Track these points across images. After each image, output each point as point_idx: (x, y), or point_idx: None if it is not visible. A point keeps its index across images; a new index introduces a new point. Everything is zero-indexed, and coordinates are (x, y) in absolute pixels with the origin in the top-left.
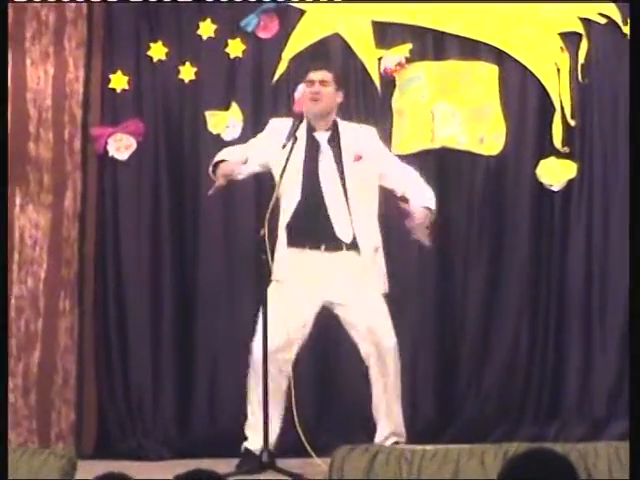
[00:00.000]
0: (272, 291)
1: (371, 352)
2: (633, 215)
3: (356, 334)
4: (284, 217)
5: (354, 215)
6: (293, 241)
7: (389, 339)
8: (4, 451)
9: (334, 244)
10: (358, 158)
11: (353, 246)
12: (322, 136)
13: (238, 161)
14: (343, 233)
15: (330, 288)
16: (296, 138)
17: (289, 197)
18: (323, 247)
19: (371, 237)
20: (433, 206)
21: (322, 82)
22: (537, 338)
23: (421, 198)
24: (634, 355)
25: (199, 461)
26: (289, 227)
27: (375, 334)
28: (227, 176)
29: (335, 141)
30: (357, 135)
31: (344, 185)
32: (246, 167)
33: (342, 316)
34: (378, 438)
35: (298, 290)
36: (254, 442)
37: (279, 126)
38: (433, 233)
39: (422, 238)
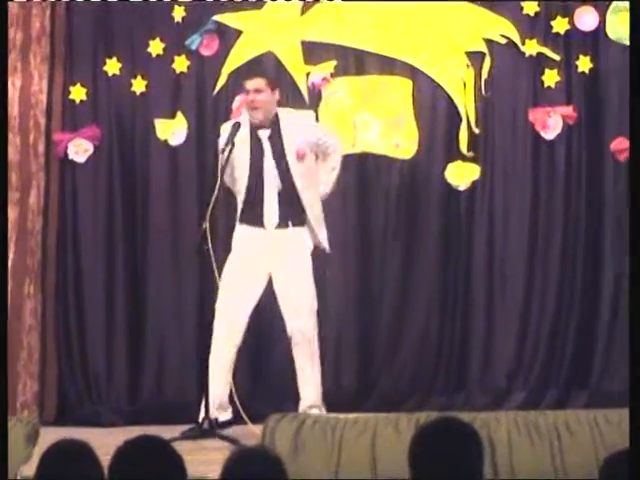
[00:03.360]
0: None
1: (294, 329)
2: (633, 216)
3: (284, 309)
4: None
5: (297, 201)
6: (243, 220)
7: (310, 318)
8: (4, 451)
9: (277, 222)
10: (302, 156)
11: (287, 225)
12: (264, 134)
13: None
14: (271, 216)
15: (270, 263)
16: (234, 144)
17: (239, 190)
18: (268, 226)
19: (315, 219)
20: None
21: (257, 90)
22: (445, 319)
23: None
24: (634, 355)
25: (147, 428)
26: (241, 210)
27: (299, 312)
28: None
29: (276, 136)
30: (298, 129)
31: (285, 176)
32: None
33: (277, 291)
34: (301, 409)
35: (250, 265)
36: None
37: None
38: None
39: None
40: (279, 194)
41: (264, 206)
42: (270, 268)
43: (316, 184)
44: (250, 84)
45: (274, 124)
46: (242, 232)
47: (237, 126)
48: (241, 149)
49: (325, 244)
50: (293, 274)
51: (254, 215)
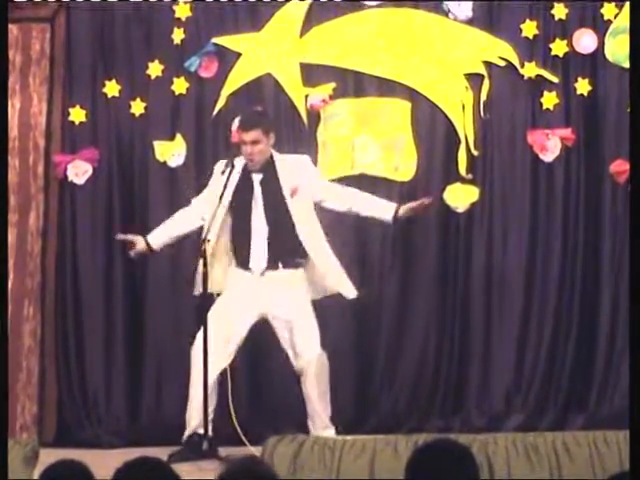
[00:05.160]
0: (216, 305)
1: (298, 361)
2: (633, 217)
3: (284, 343)
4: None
5: (289, 244)
6: (235, 261)
7: (312, 350)
8: (4, 451)
9: (265, 266)
10: (294, 192)
11: (277, 267)
12: (257, 177)
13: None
14: (259, 259)
15: (262, 304)
16: (228, 181)
17: (226, 228)
18: (255, 268)
19: (318, 255)
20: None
21: (254, 142)
22: (443, 342)
23: (385, 207)
24: (634, 355)
25: (146, 449)
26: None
27: (300, 346)
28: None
29: (270, 179)
30: (292, 169)
31: (275, 218)
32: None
33: (275, 327)
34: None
35: (238, 304)
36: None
37: (220, 170)
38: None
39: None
40: (268, 238)
41: (251, 250)
42: (262, 309)
43: (314, 222)
44: (247, 137)
45: (268, 167)
46: (233, 273)
47: (231, 167)
48: (220, 182)
49: (346, 289)
50: (291, 316)
51: (242, 258)
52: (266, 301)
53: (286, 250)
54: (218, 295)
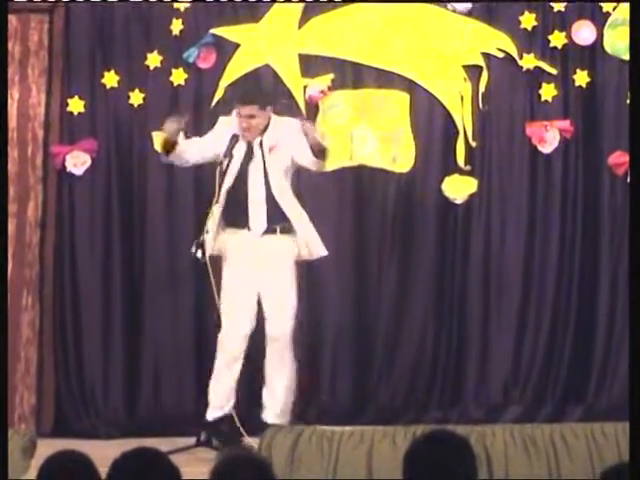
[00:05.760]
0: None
1: (270, 335)
2: (633, 216)
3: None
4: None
5: (273, 203)
6: (228, 224)
7: (284, 326)
8: (4, 450)
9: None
10: (271, 149)
11: (271, 231)
12: (256, 141)
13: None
14: (258, 222)
15: (259, 271)
16: (232, 155)
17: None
18: (255, 229)
19: (292, 221)
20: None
21: (250, 116)
22: (441, 333)
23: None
24: (634, 355)
25: (144, 440)
26: (224, 214)
27: (275, 320)
28: (172, 135)
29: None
30: (276, 128)
31: (266, 178)
32: (193, 154)
33: (261, 296)
34: (264, 418)
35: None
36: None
37: (226, 125)
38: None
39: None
40: (266, 200)
41: (249, 211)
42: (259, 277)
43: (286, 181)
44: (243, 110)
45: (265, 130)
46: (230, 238)
47: (236, 138)
48: (236, 159)
49: (318, 250)
50: (277, 281)
51: (239, 218)
52: (262, 267)
53: (283, 214)
54: (218, 257)
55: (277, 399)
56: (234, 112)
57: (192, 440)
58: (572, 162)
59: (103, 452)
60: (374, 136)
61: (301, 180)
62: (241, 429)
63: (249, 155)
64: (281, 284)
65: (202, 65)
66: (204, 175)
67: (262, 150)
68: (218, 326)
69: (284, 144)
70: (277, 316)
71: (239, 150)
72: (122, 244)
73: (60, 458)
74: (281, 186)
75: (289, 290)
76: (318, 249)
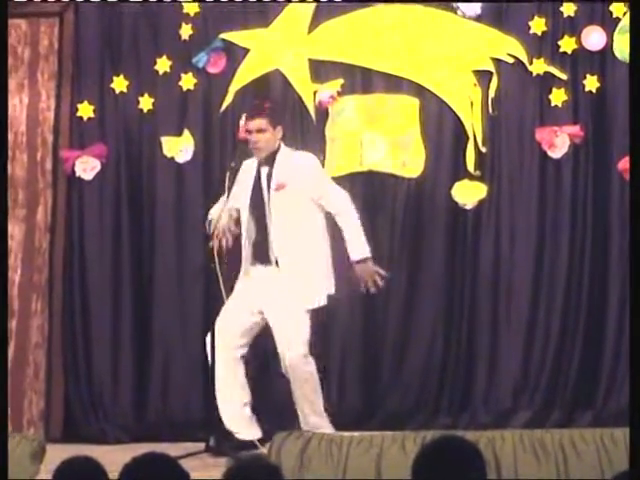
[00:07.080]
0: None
1: (285, 359)
2: (633, 216)
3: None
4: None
5: (276, 237)
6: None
7: (296, 349)
8: (4, 450)
9: (265, 263)
10: (280, 187)
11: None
12: (264, 170)
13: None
14: (263, 255)
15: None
16: (239, 162)
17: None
18: (257, 265)
19: (296, 257)
20: (367, 254)
21: (259, 130)
22: (451, 339)
23: (354, 248)
24: (634, 355)
25: (153, 445)
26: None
27: (287, 344)
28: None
29: (270, 173)
30: (288, 164)
31: (265, 212)
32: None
33: (270, 324)
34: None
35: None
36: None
37: (246, 168)
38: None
39: (370, 285)
40: (255, 241)
41: (268, 244)
42: (262, 304)
43: (297, 221)
44: (252, 125)
45: (273, 160)
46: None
47: (236, 168)
48: (245, 178)
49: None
50: (284, 309)
51: (260, 253)
52: (264, 298)
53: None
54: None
55: (305, 416)
56: (242, 119)
57: (201, 445)
58: (582, 167)
59: (112, 457)
60: (384, 141)
61: None
62: (250, 436)
63: (258, 183)
64: (290, 311)
65: (212, 70)
66: (214, 179)
67: (268, 184)
68: None
69: (296, 186)
70: (290, 345)
71: (249, 171)
72: (131, 249)
73: (74, 464)
74: (287, 228)
75: (300, 317)
76: (319, 295)
